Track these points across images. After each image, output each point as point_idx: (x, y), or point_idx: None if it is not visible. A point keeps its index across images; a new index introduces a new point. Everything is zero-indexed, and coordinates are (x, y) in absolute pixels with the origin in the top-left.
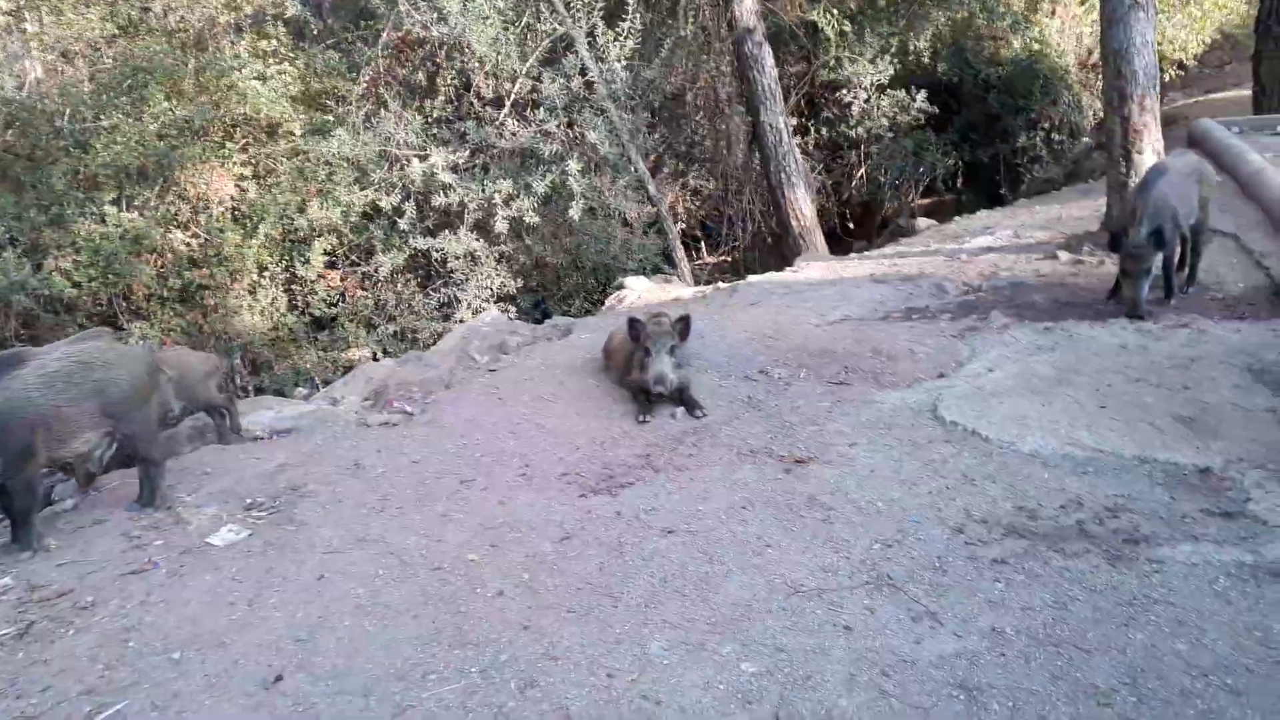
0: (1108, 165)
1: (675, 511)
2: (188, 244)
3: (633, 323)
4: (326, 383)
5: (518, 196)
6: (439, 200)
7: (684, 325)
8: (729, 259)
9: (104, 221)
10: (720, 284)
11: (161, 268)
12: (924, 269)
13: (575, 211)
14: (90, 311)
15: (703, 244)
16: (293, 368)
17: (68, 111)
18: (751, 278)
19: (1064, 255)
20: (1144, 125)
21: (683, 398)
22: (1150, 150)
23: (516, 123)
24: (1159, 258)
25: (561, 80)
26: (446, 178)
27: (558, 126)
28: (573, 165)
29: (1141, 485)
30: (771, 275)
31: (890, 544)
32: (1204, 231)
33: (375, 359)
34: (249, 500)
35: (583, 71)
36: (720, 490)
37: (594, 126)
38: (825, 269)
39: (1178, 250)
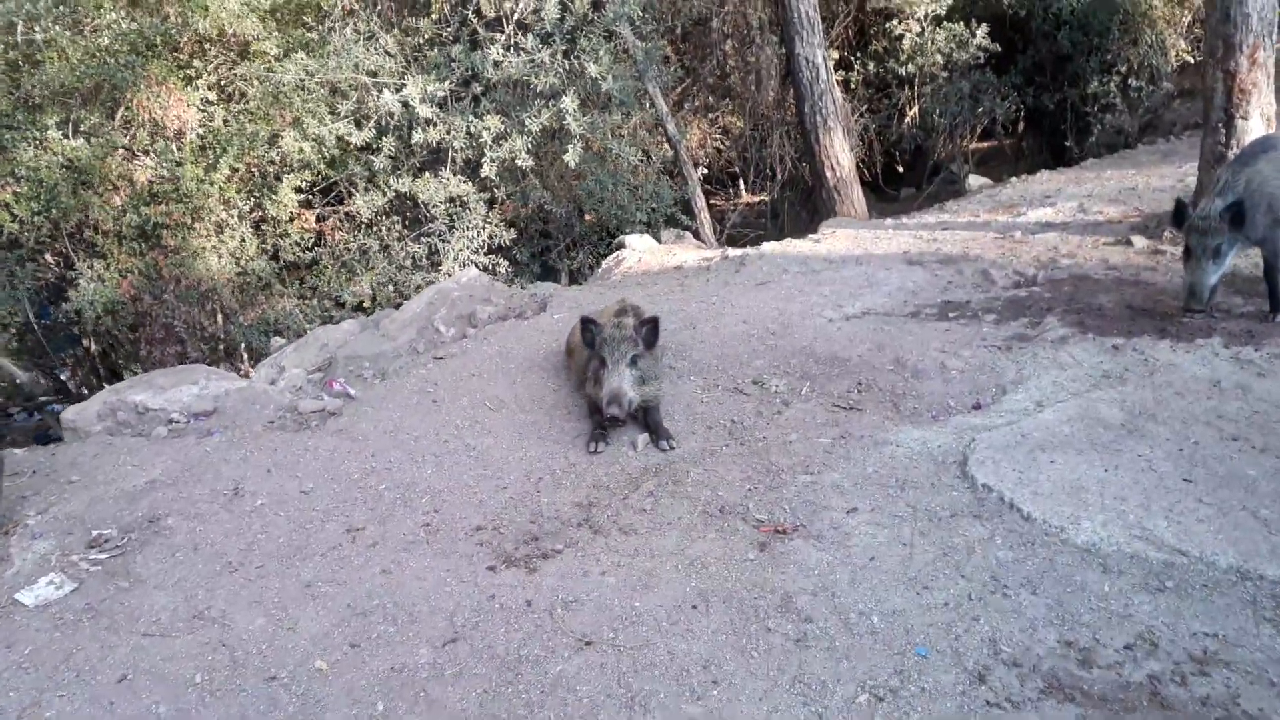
0: (1203, 132)
1: (604, 606)
2: (146, 177)
3: (585, 324)
4: (334, 321)
5: (509, 135)
6: (419, 137)
7: (650, 329)
8: (764, 199)
9: (44, 149)
10: (730, 252)
11: (113, 202)
12: (968, 248)
13: (572, 156)
14: (34, 249)
15: (741, 182)
16: (261, 317)
17: (5, 22)
18: (766, 247)
19: (1139, 240)
20: (1253, 84)
21: (647, 420)
22: (1259, 116)
23: (504, 50)
24: (1233, 244)
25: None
26: (424, 111)
27: (553, 56)
28: (568, 102)
29: (1243, 619)
30: (790, 245)
31: (883, 695)
32: None
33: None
34: (96, 533)
35: None
36: (670, 573)
37: (596, 58)
38: (853, 240)
39: None
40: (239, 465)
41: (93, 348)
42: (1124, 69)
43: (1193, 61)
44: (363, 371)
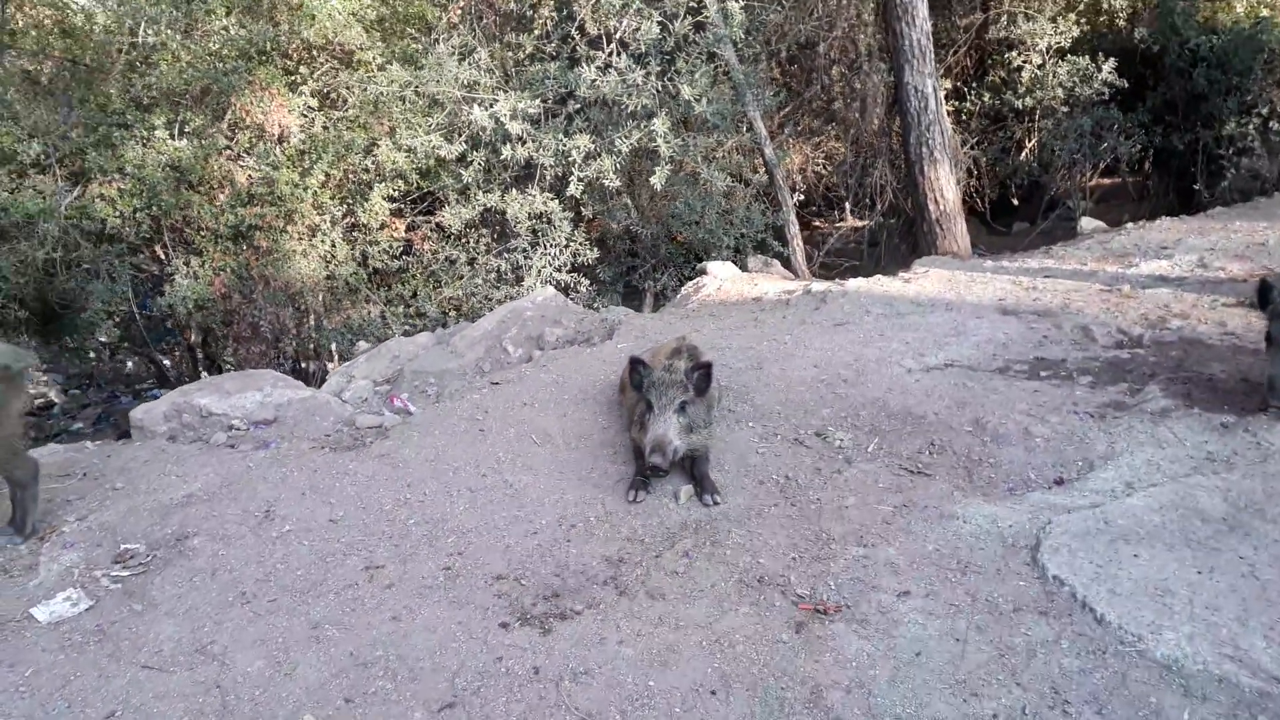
0: None
1: (616, 682)
2: (246, 179)
3: (634, 365)
4: (409, 333)
5: (599, 155)
6: (507, 153)
7: (702, 375)
8: (865, 225)
9: (150, 147)
10: (813, 286)
11: (215, 201)
12: (1070, 300)
13: (659, 178)
14: (135, 244)
15: (845, 205)
16: (346, 322)
17: (126, 24)
18: (851, 284)
19: None
20: None
21: (693, 471)
22: None
23: (600, 69)
24: None
25: (659, 19)
26: (515, 127)
27: (646, 76)
28: (659, 123)
29: None
30: (877, 283)
31: None
32: None
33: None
34: (124, 547)
35: (693, 11)
36: (693, 649)
37: (692, 80)
38: (945, 282)
39: None
40: (276, 485)
41: (193, 339)
42: (1265, 111)
43: None
44: (427, 388)
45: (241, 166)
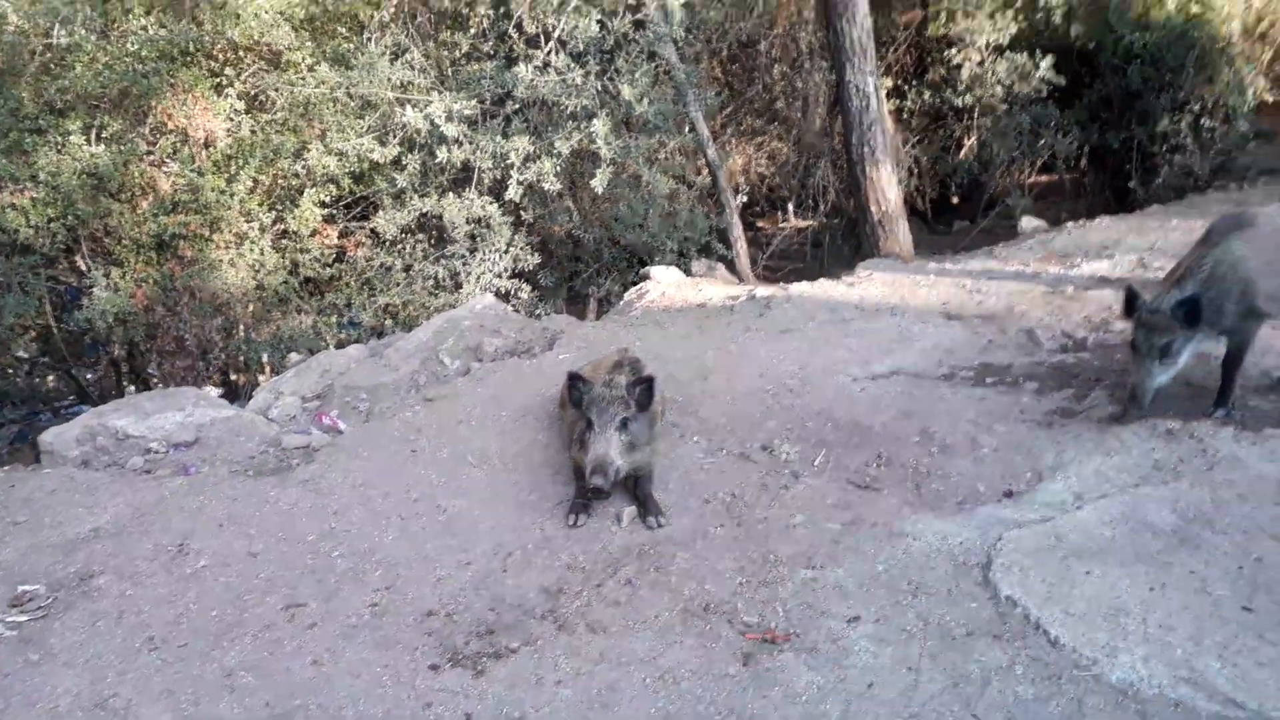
0: None
1: None
2: (169, 185)
3: (573, 381)
4: (342, 345)
5: (538, 157)
6: (443, 155)
7: (645, 390)
8: (810, 225)
9: (65, 154)
10: (757, 291)
11: (136, 209)
12: (1014, 303)
13: (600, 181)
14: (52, 255)
15: (789, 205)
16: (277, 333)
17: (40, 24)
18: (795, 289)
19: None
20: None
21: (637, 491)
22: None
23: (538, 69)
24: (1187, 342)
25: (598, 17)
26: (450, 129)
27: (585, 76)
28: (599, 125)
29: None
30: (821, 287)
31: None
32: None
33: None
34: (22, 589)
35: (632, 8)
36: (636, 688)
37: (632, 80)
38: (889, 286)
39: (1250, 342)
40: (192, 516)
41: (117, 353)
42: (1197, 108)
43: (1271, 101)
44: (358, 404)
45: (164, 173)
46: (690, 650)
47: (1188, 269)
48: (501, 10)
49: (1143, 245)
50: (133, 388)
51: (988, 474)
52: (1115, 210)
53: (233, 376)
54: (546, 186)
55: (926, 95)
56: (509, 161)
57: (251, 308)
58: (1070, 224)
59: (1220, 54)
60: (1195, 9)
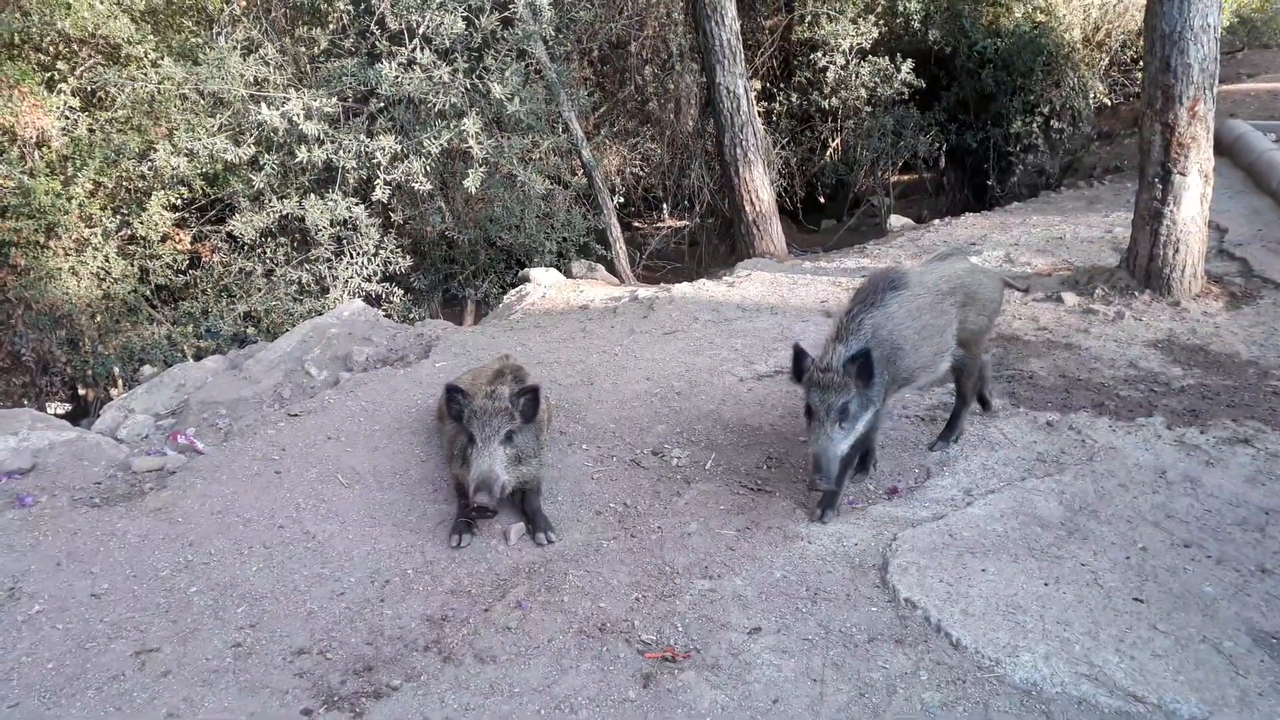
0: (1139, 187)
1: None
2: None
3: (451, 394)
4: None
5: (406, 157)
6: (302, 155)
7: (529, 400)
8: (686, 224)
9: None
10: (640, 292)
11: None
12: None
13: (473, 181)
14: None
15: (664, 206)
16: (126, 346)
17: None
18: (678, 289)
19: (1070, 298)
20: (1192, 138)
21: (525, 506)
22: (1197, 172)
23: (404, 66)
24: (867, 403)
25: (464, 14)
26: (310, 128)
27: (454, 74)
28: (469, 123)
29: None
30: (703, 287)
31: None
32: (973, 372)
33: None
34: None
35: (500, 5)
36: (531, 719)
37: (502, 78)
38: (769, 285)
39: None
40: (25, 554)
41: None
42: (1047, 110)
43: (1109, 104)
44: (218, 420)
45: None
46: (587, 675)
47: (845, 328)
48: (362, 6)
49: (1008, 241)
50: None
51: (877, 471)
52: (975, 207)
53: (81, 391)
54: (416, 187)
55: (794, 98)
56: (375, 161)
57: (98, 318)
58: (937, 221)
59: (1065, 59)
60: (1041, 17)
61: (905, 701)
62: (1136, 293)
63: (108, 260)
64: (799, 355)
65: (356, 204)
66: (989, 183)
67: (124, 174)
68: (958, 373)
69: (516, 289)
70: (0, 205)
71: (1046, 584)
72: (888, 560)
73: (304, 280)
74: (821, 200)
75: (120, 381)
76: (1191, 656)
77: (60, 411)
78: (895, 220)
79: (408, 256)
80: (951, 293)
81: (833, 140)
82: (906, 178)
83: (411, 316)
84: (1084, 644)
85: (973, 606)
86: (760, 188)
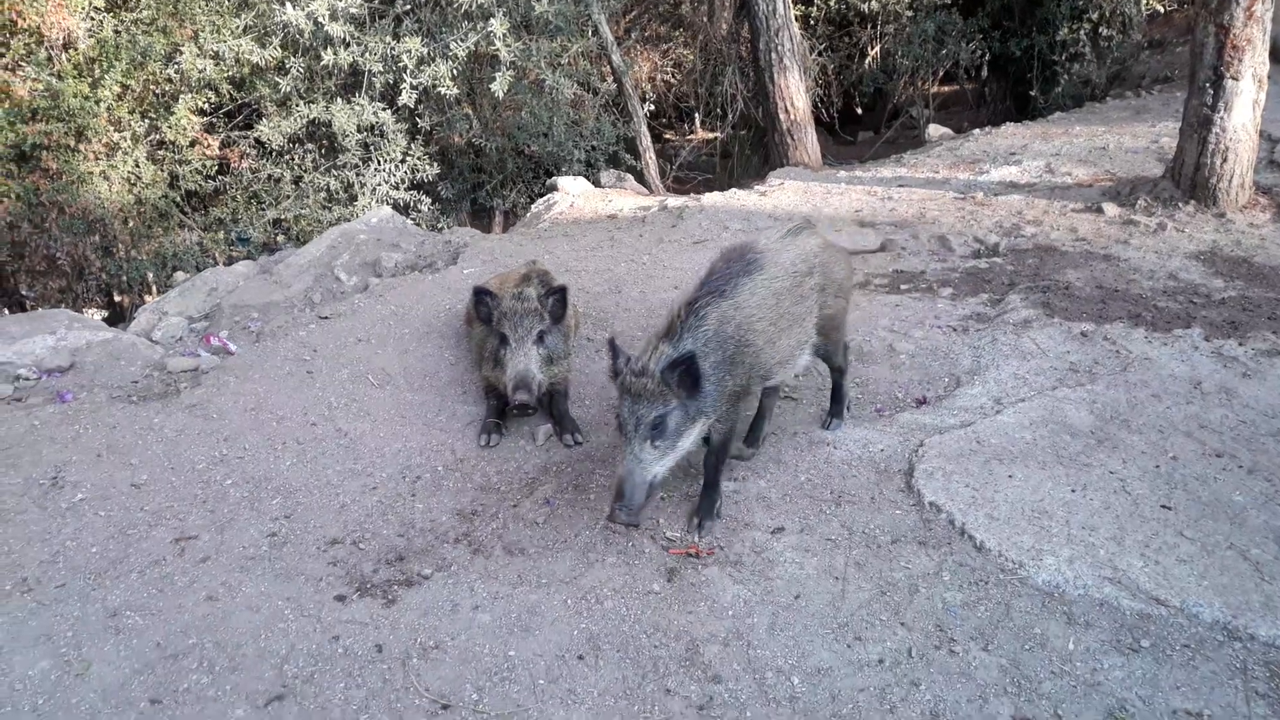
0: (1188, 92)
1: (471, 655)
2: (26, 91)
3: (480, 296)
4: (230, 262)
5: (433, 60)
6: (328, 58)
7: (557, 300)
8: (717, 137)
9: None
10: (669, 202)
11: None
12: (925, 209)
13: (500, 85)
14: None
15: (695, 116)
16: (159, 251)
17: None
18: (708, 198)
19: (1111, 208)
20: (1248, 40)
21: (553, 408)
22: (1250, 77)
23: None
24: (691, 416)
25: None
26: (335, 29)
27: None
28: (496, 25)
29: (1230, 693)
30: (734, 196)
31: None
32: (843, 360)
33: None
34: None
35: None
36: (558, 609)
37: None
38: (802, 194)
39: (736, 430)
40: (66, 446)
41: None
42: (1095, 16)
43: (1162, 9)
44: (249, 324)
45: (19, 77)
46: (612, 569)
47: (681, 321)
48: None
49: (1049, 151)
50: (5, 311)
51: (905, 380)
52: (1016, 119)
53: (117, 298)
54: (443, 91)
55: (833, 2)
56: (401, 64)
57: (130, 224)
58: (976, 131)
59: None
60: None
61: (927, 600)
62: (1180, 204)
63: (138, 165)
64: (614, 349)
65: (383, 109)
66: (1032, 93)
67: (151, 77)
68: (826, 358)
69: (544, 198)
70: (30, 108)
71: (1073, 490)
72: (913, 465)
73: (332, 187)
74: (858, 111)
75: (153, 287)
76: (1217, 562)
77: (97, 318)
78: (933, 130)
79: (435, 165)
80: (810, 273)
81: (872, 47)
82: (946, 89)
83: (439, 226)
84: (1108, 549)
85: (998, 511)
86: (795, 95)
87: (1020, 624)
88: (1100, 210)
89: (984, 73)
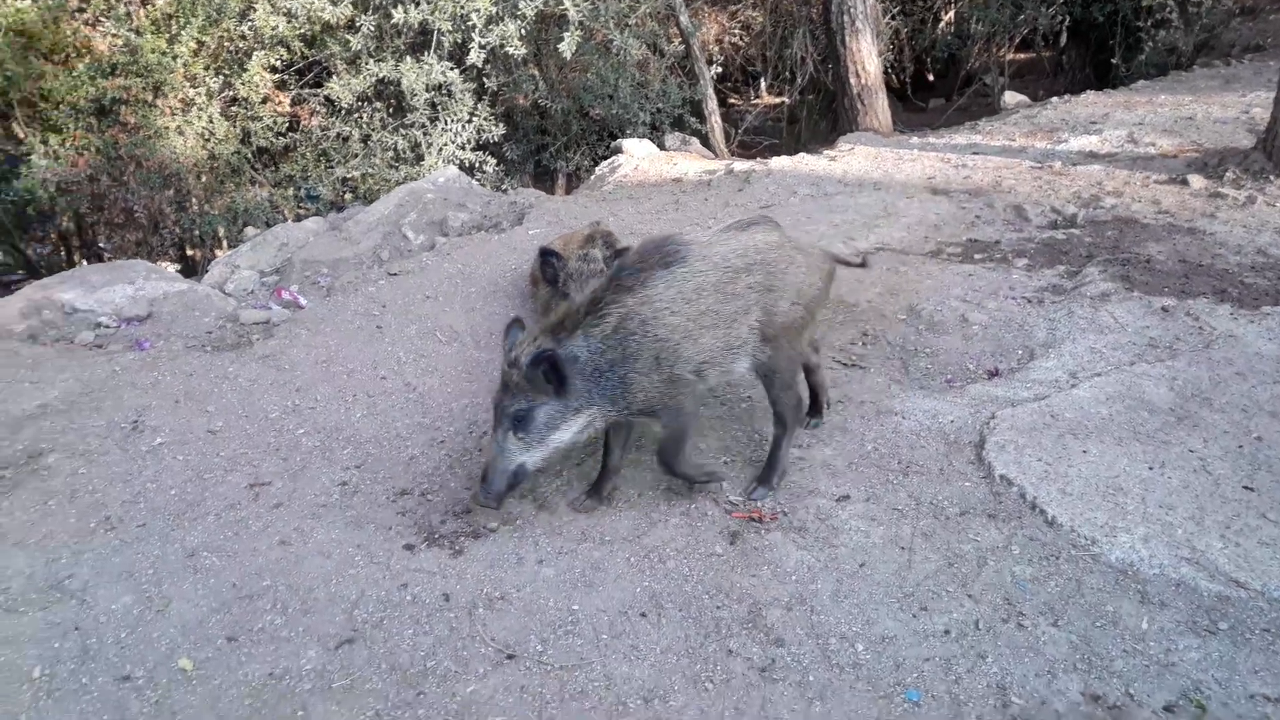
0: None
1: (535, 608)
2: (106, 46)
3: (545, 257)
4: (300, 218)
5: (501, 19)
6: (399, 16)
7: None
8: (783, 102)
9: None
10: (735, 165)
11: (72, 72)
12: (1001, 178)
13: (568, 45)
14: None
15: (761, 81)
16: (230, 206)
17: None
18: (775, 163)
19: (1197, 181)
20: None
21: None
22: None
23: None
24: (561, 413)
25: None
26: None
27: None
28: None
29: None
30: (802, 161)
31: None
32: (790, 381)
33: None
34: None
35: None
36: (621, 566)
37: None
38: (873, 160)
39: (688, 422)
40: (146, 392)
41: (65, 226)
42: None
43: None
44: (319, 279)
45: (100, 32)
46: (675, 529)
47: (579, 312)
48: None
49: (1131, 120)
50: (84, 262)
51: (977, 351)
52: (1096, 88)
53: (189, 252)
54: (510, 51)
55: None
56: (470, 23)
57: (204, 179)
58: (1055, 99)
59: None
60: None
61: (995, 573)
62: (1272, 176)
63: (211, 121)
64: (507, 332)
65: (451, 69)
66: (1113, 61)
67: (225, 33)
68: (767, 380)
69: (609, 160)
70: (110, 63)
71: (1151, 468)
72: (984, 437)
73: (399, 146)
74: (930, 78)
75: (224, 241)
76: None
77: (169, 269)
78: (1010, 97)
79: (500, 125)
80: (748, 271)
81: (946, 11)
82: (1022, 56)
83: (503, 187)
84: (1187, 529)
85: (1071, 486)
86: (867, 58)
87: (1092, 601)
88: (1185, 182)
89: (1062, 39)
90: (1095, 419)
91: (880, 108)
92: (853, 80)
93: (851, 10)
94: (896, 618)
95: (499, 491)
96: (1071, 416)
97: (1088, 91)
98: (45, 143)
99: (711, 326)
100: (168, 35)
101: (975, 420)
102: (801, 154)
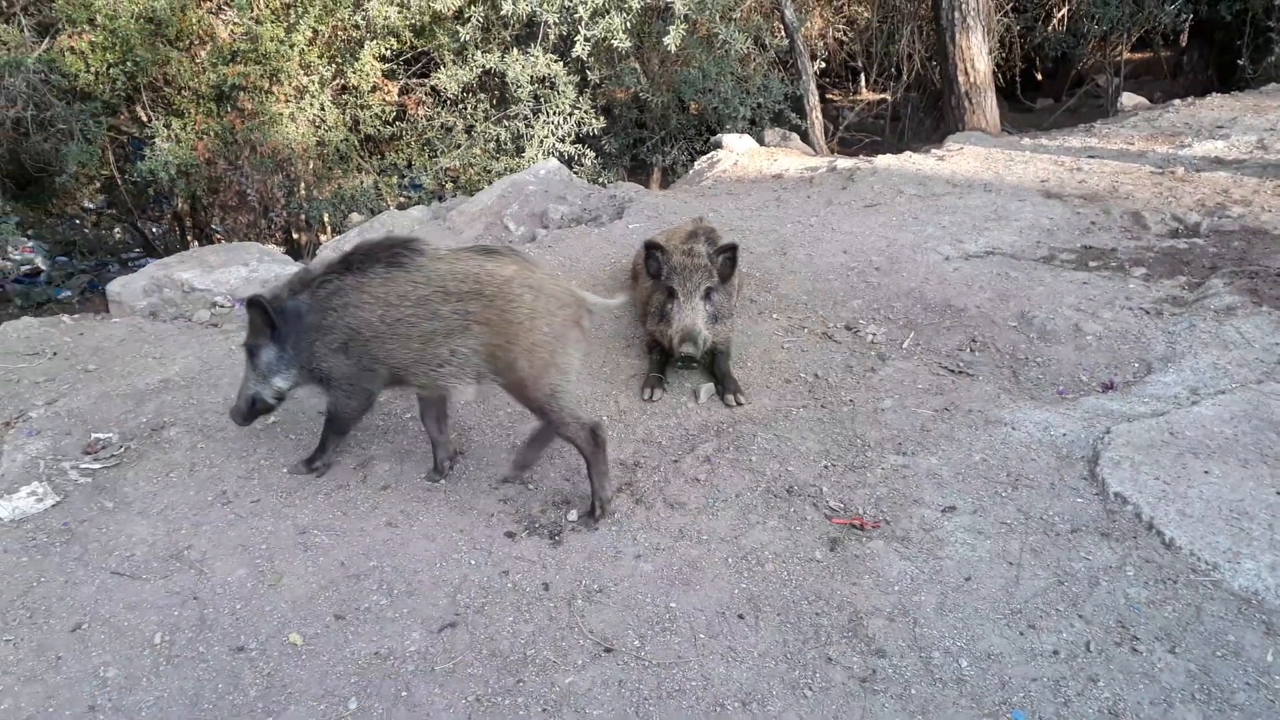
0: None
1: (633, 602)
2: (228, 34)
3: (650, 250)
4: (403, 207)
5: (608, 12)
6: (508, 8)
7: (727, 259)
8: (885, 99)
9: None
10: (838, 163)
11: (195, 58)
12: (1118, 183)
13: (673, 38)
14: (112, 103)
15: (862, 78)
16: (338, 192)
17: None
18: (881, 161)
19: None
20: None
21: (714, 368)
22: None
23: None
24: (278, 361)
25: None
26: None
27: None
28: None
29: None
30: (908, 160)
31: None
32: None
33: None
34: (95, 436)
35: None
36: (718, 566)
37: None
38: (982, 160)
39: (352, 414)
40: None
41: (180, 207)
42: None
43: None
44: None
45: (222, 20)
46: (774, 532)
47: (319, 276)
48: None
49: (1262, 125)
50: (196, 242)
51: (1091, 363)
52: (1218, 90)
53: (295, 235)
54: (615, 44)
55: None
56: (577, 16)
57: (312, 165)
58: (1177, 101)
59: None
60: None
61: (1108, 595)
62: None
63: (323, 108)
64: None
65: (555, 61)
66: (1240, 62)
67: (339, 23)
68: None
69: (707, 155)
70: (230, 50)
71: (1279, 493)
72: (1099, 453)
73: (501, 138)
74: (1038, 77)
75: (329, 227)
76: None
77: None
78: (1127, 99)
79: (600, 118)
80: (463, 298)
81: (1060, 8)
82: (1138, 56)
83: (600, 180)
84: None
85: (1191, 508)
86: (977, 56)
87: (1212, 629)
88: None
89: (1184, 39)
90: (1218, 438)
91: (988, 107)
92: (961, 78)
93: (963, 7)
94: (1003, 635)
95: (239, 410)
96: (1192, 435)
97: (1213, 94)
98: (168, 126)
99: (403, 337)
100: (285, 24)
101: (1089, 434)
102: (907, 152)
